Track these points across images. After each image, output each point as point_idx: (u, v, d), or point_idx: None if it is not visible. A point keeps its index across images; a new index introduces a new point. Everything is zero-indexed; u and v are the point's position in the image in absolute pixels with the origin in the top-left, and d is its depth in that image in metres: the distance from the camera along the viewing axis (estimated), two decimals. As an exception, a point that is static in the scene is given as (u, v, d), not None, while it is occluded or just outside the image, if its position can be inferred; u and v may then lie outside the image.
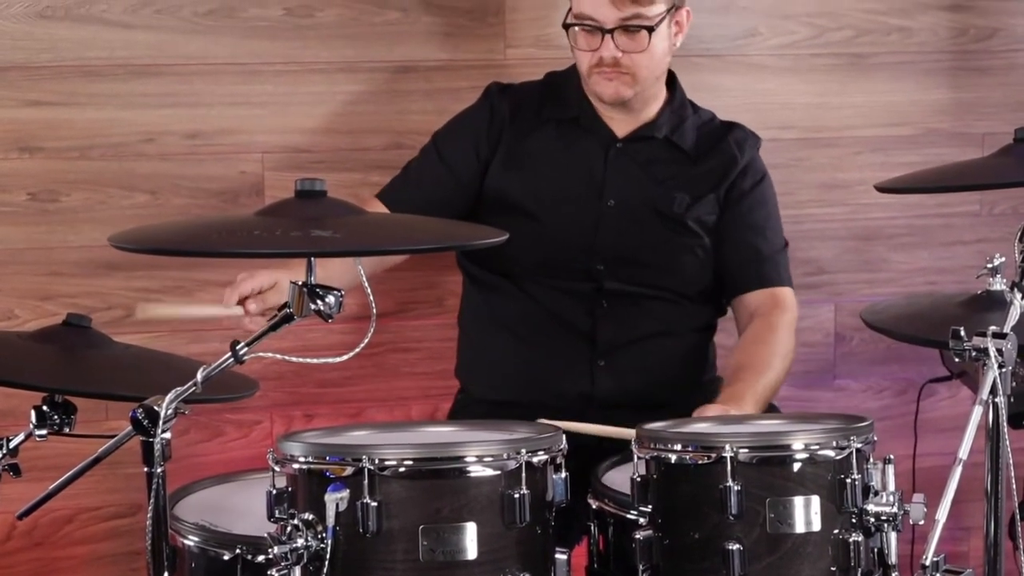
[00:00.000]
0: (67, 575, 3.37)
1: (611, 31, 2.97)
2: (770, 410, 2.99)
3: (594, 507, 2.62)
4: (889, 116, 3.63)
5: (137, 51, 3.25)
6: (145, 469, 2.24)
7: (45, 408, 2.54)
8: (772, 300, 3.11)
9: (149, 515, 2.24)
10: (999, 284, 2.71)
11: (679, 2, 3.04)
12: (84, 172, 3.27)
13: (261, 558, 2.39)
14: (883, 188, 2.68)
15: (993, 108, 3.66)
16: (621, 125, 3.13)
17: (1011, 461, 2.47)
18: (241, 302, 2.78)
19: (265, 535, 2.27)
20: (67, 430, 2.56)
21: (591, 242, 3.11)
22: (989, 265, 2.71)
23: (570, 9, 3.04)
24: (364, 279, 2.34)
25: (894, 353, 3.65)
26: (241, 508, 2.62)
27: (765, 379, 2.93)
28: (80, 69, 3.24)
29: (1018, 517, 2.78)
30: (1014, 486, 2.47)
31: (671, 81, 3.18)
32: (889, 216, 3.65)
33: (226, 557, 2.46)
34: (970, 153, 3.60)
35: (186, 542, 2.51)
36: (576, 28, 3.01)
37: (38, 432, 2.55)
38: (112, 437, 2.50)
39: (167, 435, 2.24)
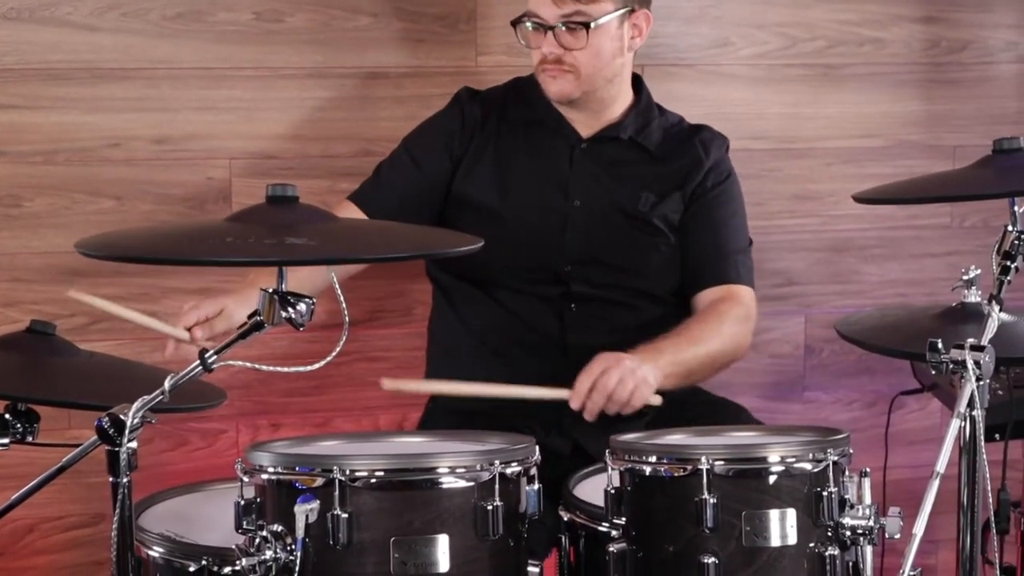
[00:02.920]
0: (28, 586, 3.33)
1: (553, 28, 2.98)
2: (747, 421, 2.97)
3: (565, 519, 2.59)
4: (861, 127, 3.62)
5: (103, 54, 3.21)
6: (110, 479, 2.20)
7: (8, 416, 2.50)
8: (727, 294, 3.09)
9: (114, 526, 2.20)
10: (974, 296, 2.70)
11: (636, 5, 3.03)
12: (48, 177, 3.22)
13: (228, 570, 2.37)
14: (860, 198, 2.66)
15: (964, 120, 3.66)
16: (585, 126, 3.13)
17: (988, 474, 2.45)
18: (188, 330, 2.80)
19: (233, 547, 2.25)
20: (30, 439, 2.52)
21: (559, 243, 3.09)
22: (965, 277, 2.70)
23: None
24: (337, 287, 2.30)
25: (864, 365, 3.64)
26: (208, 519, 2.59)
27: (694, 350, 2.93)
28: (45, 72, 3.19)
29: (994, 529, 2.78)
30: (991, 499, 2.45)
31: (638, 84, 3.17)
32: (860, 228, 3.64)
33: (192, 568, 2.42)
34: (941, 165, 3.60)
35: (151, 553, 2.47)
36: (525, 25, 3.02)
37: (0, 441, 2.50)
38: (76, 446, 2.45)
39: (133, 444, 2.20)
